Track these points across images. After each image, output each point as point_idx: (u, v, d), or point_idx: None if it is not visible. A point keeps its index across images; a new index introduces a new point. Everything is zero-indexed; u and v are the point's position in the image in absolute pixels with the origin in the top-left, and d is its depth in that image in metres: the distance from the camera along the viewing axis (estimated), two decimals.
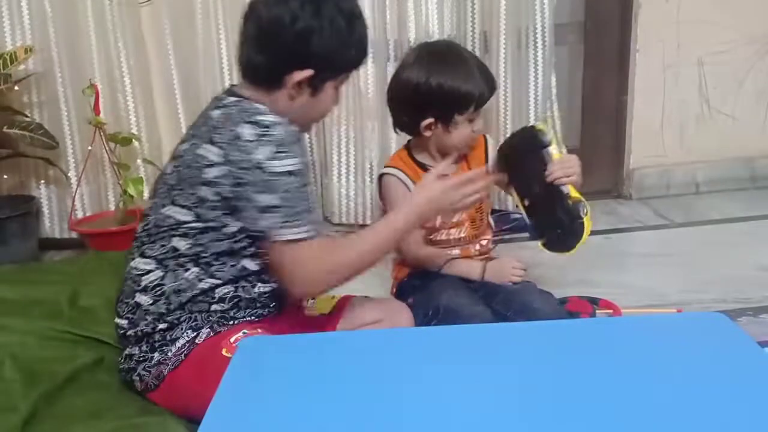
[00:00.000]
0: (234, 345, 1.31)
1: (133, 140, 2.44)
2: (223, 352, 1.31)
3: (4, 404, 1.29)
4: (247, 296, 1.40)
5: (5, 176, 2.52)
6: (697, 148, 2.92)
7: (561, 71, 2.79)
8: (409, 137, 1.78)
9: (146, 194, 2.30)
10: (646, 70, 2.82)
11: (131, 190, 2.34)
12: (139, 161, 2.52)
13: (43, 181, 2.54)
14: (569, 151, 2.78)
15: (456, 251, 1.74)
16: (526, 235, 1.80)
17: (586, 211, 1.55)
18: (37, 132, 2.33)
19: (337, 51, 1.36)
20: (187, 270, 1.37)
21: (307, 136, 2.61)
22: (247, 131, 1.28)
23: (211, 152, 1.32)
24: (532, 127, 1.64)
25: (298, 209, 1.29)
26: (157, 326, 1.37)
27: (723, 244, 2.42)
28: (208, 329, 1.37)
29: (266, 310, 1.44)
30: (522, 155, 1.62)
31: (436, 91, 1.62)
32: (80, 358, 1.48)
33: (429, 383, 0.99)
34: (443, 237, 1.74)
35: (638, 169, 2.92)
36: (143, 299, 1.38)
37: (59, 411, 1.33)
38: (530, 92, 2.68)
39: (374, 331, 1.45)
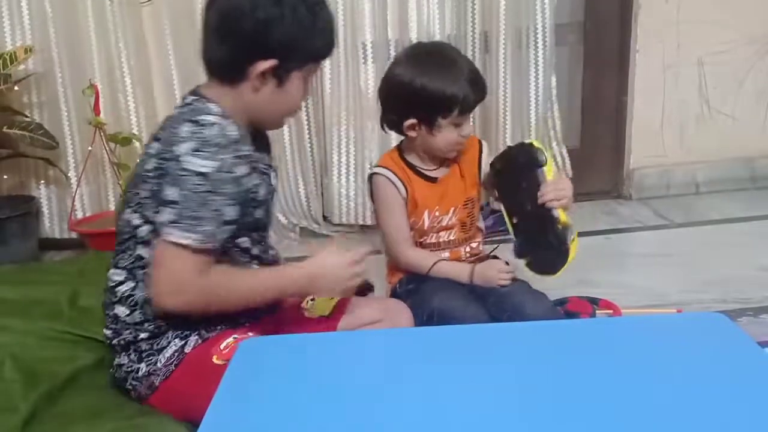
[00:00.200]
0: (224, 352, 1.30)
1: (134, 140, 2.44)
2: (214, 359, 1.30)
3: (4, 405, 1.29)
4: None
5: (5, 176, 2.52)
6: (697, 149, 2.92)
7: (561, 71, 2.79)
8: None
9: None
10: (646, 71, 2.82)
11: None
12: None
13: (43, 182, 2.54)
14: (569, 152, 2.82)
15: (446, 254, 1.73)
16: None
17: (573, 238, 1.53)
18: (37, 132, 2.33)
19: (300, 39, 1.32)
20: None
21: (306, 134, 2.62)
22: (184, 129, 1.26)
23: (152, 148, 1.32)
24: (530, 144, 1.61)
25: (195, 214, 1.23)
26: (139, 335, 1.37)
27: (723, 245, 2.42)
28: (196, 336, 1.36)
29: (254, 317, 1.43)
30: (516, 172, 1.59)
31: (419, 92, 1.59)
32: (80, 359, 1.47)
33: (429, 383, 0.99)
34: (433, 240, 1.73)
35: (638, 169, 2.92)
36: (120, 310, 1.38)
37: (59, 411, 1.33)
38: (531, 92, 2.68)
39: (374, 331, 1.45)
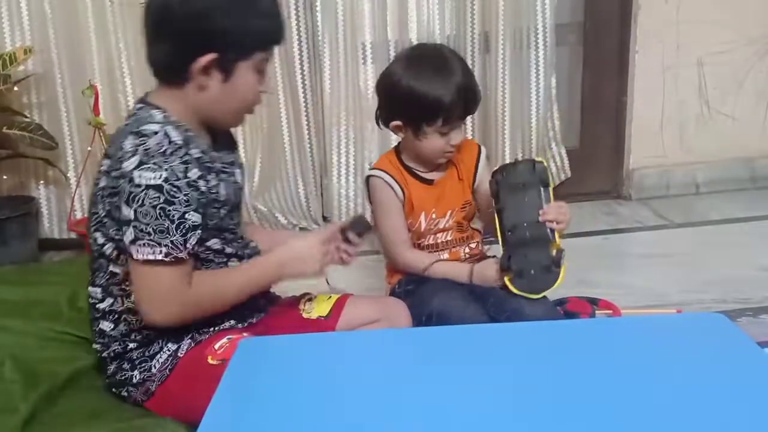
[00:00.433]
0: (219, 352, 1.30)
1: None
2: (209, 360, 1.30)
3: (4, 405, 1.29)
4: None
5: (5, 177, 2.52)
6: (696, 149, 2.92)
7: (561, 72, 2.79)
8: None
9: None
10: (645, 71, 2.82)
11: None
12: None
13: (42, 182, 2.54)
14: (568, 152, 2.82)
15: (445, 255, 1.73)
16: None
17: (564, 262, 1.53)
18: (36, 132, 2.33)
19: (237, 27, 1.27)
20: (131, 293, 1.33)
21: (306, 135, 2.62)
22: (128, 142, 1.24)
23: (103, 165, 1.31)
24: (540, 161, 1.59)
25: (157, 227, 1.21)
26: (128, 345, 1.37)
27: (723, 245, 2.42)
28: (189, 339, 1.35)
29: (247, 319, 1.44)
30: (520, 186, 1.57)
31: (405, 93, 1.57)
32: (80, 360, 1.47)
33: (428, 384, 0.99)
34: (431, 241, 1.73)
35: (638, 169, 2.92)
36: (105, 325, 1.38)
37: (59, 412, 1.33)
38: (531, 93, 2.68)
39: (373, 331, 1.45)
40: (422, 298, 1.60)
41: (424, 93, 1.56)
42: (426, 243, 1.73)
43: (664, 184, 2.93)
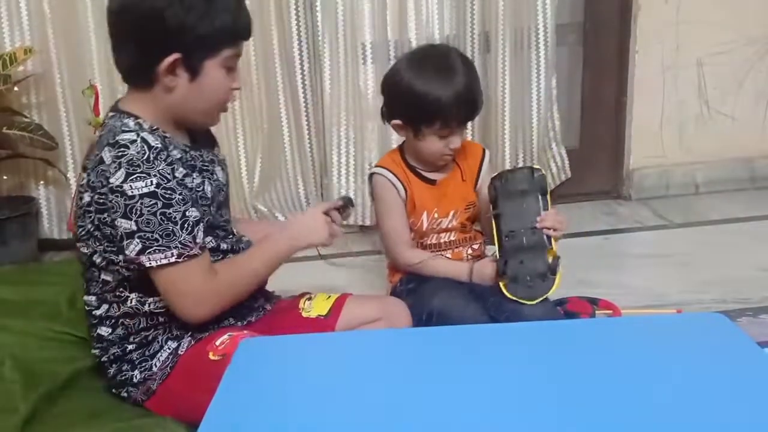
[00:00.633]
0: (220, 348, 1.31)
1: None
2: (210, 356, 1.30)
3: (4, 405, 1.29)
4: None
5: (5, 177, 2.52)
6: (696, 149, 2.92)
7: (560, 72, 2.79)
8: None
9: None
10: (645, 71, 2.82)
11: None
12: None
13: (42, 182, 2.54)
14: (568, 152, 2.82)
15: (448, 255, 1.73)
16: None
17: (559, 270, 1.53)
18: (36, 133, 2.33)
19: (198, 25, 1.25)
20: (126, 298, 1.35)
21: (306, 135, 2.62)
22: (107, 155, 1.24)
23: (83, 179, 1.31)
24: (538, 169, 1.59)
25: (163, 232, 1.23)
26: (127, 348, 1.37)
27: (722, 245, 2.42)
28: (189, 337, 1.36)
29: (246, 317, 1.45)
30: (517, 193, 1.57)
31: (405, 93, 1.58)
32: (80, 360, 1.48)
33: (428, 384, 0.99)
34: (434, 241, 1.73)
35: (638, 169, 2.92)
36: (103, 330, 1.39)
37: (59, 412, 1.33)
38: (532, 93, 2.68)
39: (373, 331, 1.45)
40: (423, 297, 1.61)
41: (422, 94, 1.55)
42: (428, 242, 1.73)
43: (664, 184, 2.93)
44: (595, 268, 2.19)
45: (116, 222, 1.24)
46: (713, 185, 2.93)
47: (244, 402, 0.96)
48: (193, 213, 1.27)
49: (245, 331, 1.36)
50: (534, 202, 1.56)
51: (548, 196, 1.58)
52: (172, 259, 1.25)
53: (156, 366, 1.35)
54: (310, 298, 1.53)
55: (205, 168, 1.40)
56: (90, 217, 1.29)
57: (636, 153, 2.91)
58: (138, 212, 1.22)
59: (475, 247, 1.76)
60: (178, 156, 1.30)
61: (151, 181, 1.22)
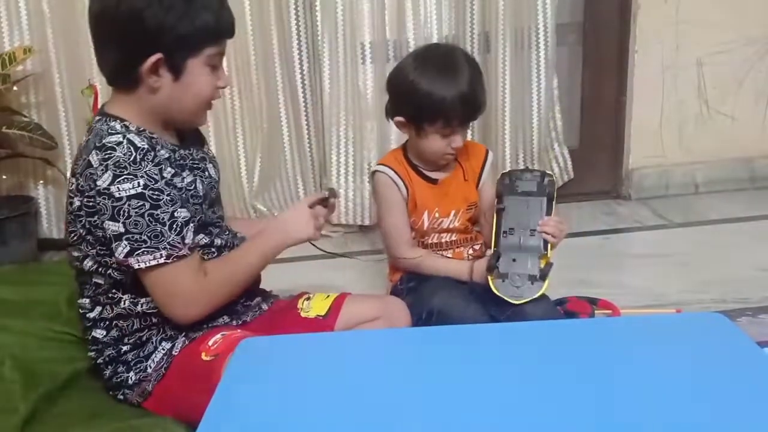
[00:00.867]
0: (212, 348, 1.30)
1: None
2: (203, 356, 1.30)
3: (4, 405, 1.29)
4: None
5: (4, 176, 2.51)
6: (696, 149, 2.92)
7: (560, 71, 2.79)
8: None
9: None
10: (645, 71, 2.82)
11: None
12: None
13: (41, 182, 2.54)
14: (568, 152, 2.82)
15: (449, 254, 1.73)
16: None
17: (548, 277, 1.53)
18: (35, 132, 2.33)
19: (178, 24, 1.25)
20: (120, 300, 1.35)
21: (306, 135, 2.62)
22: (94, 158, 1.24)
23: (72, 184, 1.31)
24: (550, 175, 1.59)
25: (151, 233, 1.23)
26: (122, 349, 1.37)
27: (722, 245, 2.42)
28: (183, 338, 1.36)
29: (241, 316, 1.45)
30: (524, 193, 1.57)
31: (409, 90, 1.58)
32: (79, 360, 1.47)
33: (428, 383, 0.99)
34: (435, 240, 1.73)
35: (637, 169, 2.92)
36: (97, 332, 1.39)
37: (59, 412, 1.33)
38: (533, 94, 2.68)
39: (373, 331, 1.45)
40: (423, 296, 1.61)
41: (426, 92, 1.56)
42: (429, 242, 1.73)
43: (664, 184, 2.93)
44: (594, 267, 2.19)
45: (105, 224, 1.25)
46: (713, 185, 2.93)
47: (244, 402, 0.96)
48: (182, 213, 1.27)
49: (239, 331, 1.36)
50: (539, 205, 1.56)
51: (554, 203, 1.58)
52: (161, 260, 1.25)
53: (151, 367, 1.35)
54: (308, 298, 1.53)
55: (195, 166, 1.40)
56: (81, 221, 1.30)
57: (636, 153, 2.91)
58: (126, 214, 1.22)
59: (476, 247, 1.76)
60: (166, 156, 1.30)
61: (138, 183, 1.22)
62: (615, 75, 2.88)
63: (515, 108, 2.66)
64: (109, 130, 1.28)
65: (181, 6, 1.25)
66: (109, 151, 1.23)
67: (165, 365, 1.34)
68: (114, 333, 1.37)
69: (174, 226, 1.25)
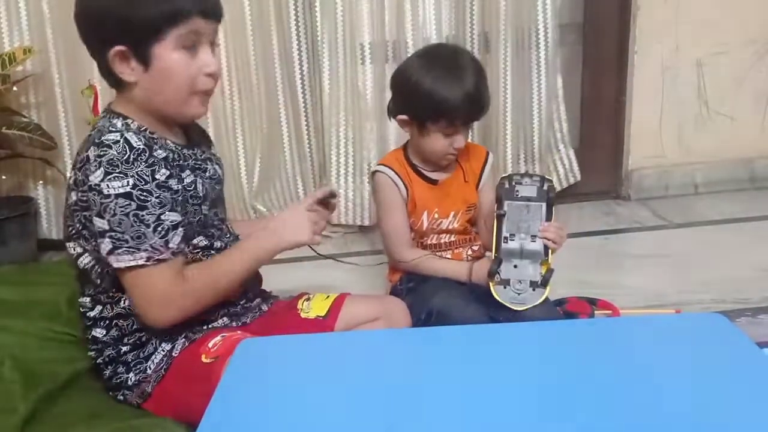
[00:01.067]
0: (212, 350, 1.30)
1: None
2: (203, 358, 1.30)
3: (4, 405, 1.28)
4: None
5: (3, 177, 2.52)
6: (695, 149, 2.92)
7: (560, 72, 2.79)
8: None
9: None
10: (644, 72, 2.82)
11: None
12: None
13: (41, 182, 2.54)
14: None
15: (448, 255, 1.73)
16: None
17: (549, 284, 1.53)
18: (35, 133, 2.33)
19: (128, 14, 1.22)
20: (119, 299, 1.34)
21: (305, 135, 2.61)
22: (92, 153, 1.24)
23: (71, 178, 1.31)
24: (550, 181, 1.59)
25: (133, 233, 1.22)
26: (121, 349, 1.37)
27: (722, 245, 2.42)
28: (183, 339, 1.36)
29: (241, 318, 1.44)
30: (524, 198, 1.57)
31: (413, 88, 1.59)
32: (79, 360, 1.47)
33: (428, 384, 0.99)
34: (434, 241, 1.73)
35: (637, 170, 2.92)
36: (97, 332, 1.38)
37: (59, 412, 1.33)
38: (533, 94, 2.67)
39: (372, 331, 1.45)
40: (423, 296, 1.61)
41: (431, 91, 1.56)
42: (429, 242, 1.73)
43: (663, 184, 2.93)
44: (594, 268, 2.19)
45: (93, 220, 1.25)
46: (712, 185, 2.93)
47: (243, 402, 0.96)
48: (170, 216, 1.26)
49: (239, 332, 1.36)
50: (539, 210, 1.56)
51: (554, 209, 1.58)
52: (140, 262, 1.24)
53: (150, 368, 1.35)
54: (308, 299, 1.53)
55: (198, 166, 1.39)
56: (77, 215, 1.30)
57: (635, 153, 2.91)
58: (111, 212, 1.22)
59: (475, 248, 1.76)
60: (163, 156, 1.29)
61: (128, 182, 1.22)
62: (615, 75, 2.88)
63: (517, 109, 2.66)
64: (110, 128, 1.28)
65: None
66: (105, 149, 1.24)
67: (165, 366, 1.34)
68: (114, 332, 1.37)
69: (159, 228, 1.24)
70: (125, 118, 1.30)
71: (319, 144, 2.65)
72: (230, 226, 1.50)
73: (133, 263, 1.24)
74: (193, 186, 1.34)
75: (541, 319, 1.48)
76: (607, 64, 2.87)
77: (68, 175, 1.35)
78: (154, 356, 1.35)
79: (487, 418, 0.90)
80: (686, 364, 1.02)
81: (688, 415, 0.89)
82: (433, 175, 1.71)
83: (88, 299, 1.38)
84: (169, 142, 1.34)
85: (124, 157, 1.23)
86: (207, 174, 1.41)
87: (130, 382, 1.36)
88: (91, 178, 1.23)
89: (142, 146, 1.26)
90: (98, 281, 1.35)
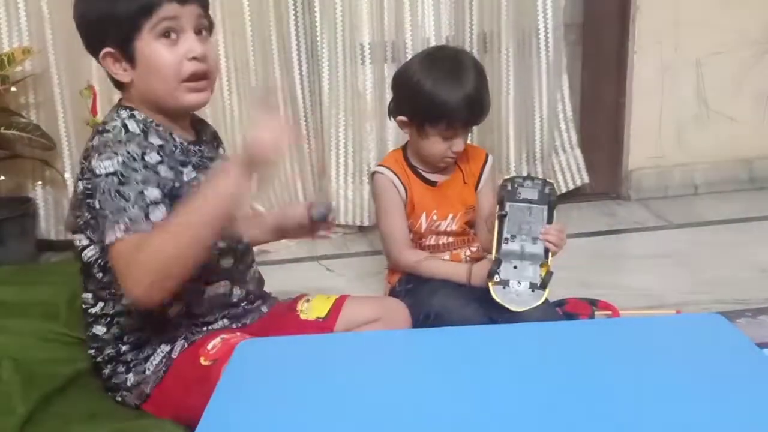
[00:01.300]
0: (211, 353, 1.30)
1: None
2: (201, 361, 1.29)
3: (3, 406, 1.28)
4: (199, 304, 1.38)
5: (2, 177, 2.51)
6: (695, 150, 2.92)
7: None
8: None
9: None
10: (644, 72, 2.82)
11: None
12: None
13: (39, 183, 2.53)
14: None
15: (446, 256, 1.73)
16: None
17: (548, 287, 1.53)
18: (34, 133, 2.33)
19: (103, 14, 1.25)
20: (121, 296, 1.32)
21: (304, 133, 2.61)
22: (94, 141, 1.26)
23: (80, 167, 1.32)
24: (552, 184, 1.60)
25: (111, 209, 1.18)
26: (121, 348, 1.37)
27: (721, 246, 2.42)
28: (182, 340, 1.35)
29: (241, 319, 1.44)
30: (527, 200, 1.57)
31: (414, 89, 1.59)
32: (79, 361, 1.47)
33: (427, 385, 0.99)
34: (432, 242, 1.73)
35: (637, 170, 2.92)
36: (98, 329, 1.38)
37: (58, 413, 1.33)
38: (534, 94, 2.67)
39: (372, 332, 1.45)
40: (422, 297, 1.60)
41: (431, 92, 1.56)
42: (427, 243, 1.73)
43: (663, 184, 2.93)
44: (593, 268, 2.19)
45: (93, 204, 1.25)
46: (712, 186, 2.93)
47: (242, 404, 0.96)
48: (153, 193, 1.21)
49: (238, 334, 1.35)
50: (541, 213, 1.56)
51: (555, 212, 1.58)
52: (119, 235, 1.17)
53: (149, 369, 1.35)
54: (308, 300, 1.53)
55: (202, 164, 1.38)
56: (85, 204, 1.30)
57: (635, 153, 2.91)
58: (101, 190, 1.21)
59: (473, 249, 1.76)
60: (159, 144, 1.29)
61: (117, 160, 1.21)
62: (614, 76, 2.87)
63: (518, 110, 2.65)
64: (114, 117, 1.30)
65: None
66: (104, 133, 1.26)
67: (164, 368, 1.34)
68: (114, 330, 1.37)
69: (139, 201, 1.19)
70: (132, 109, 1.32)
71: (319, 144, 2.65)
72: (235, 229, 1.49)
73: (113, 238, 1.18)
74: (195, 183, 1.33)
75: (541, 320, 1.48)
76: (607, 64, 2.87)
77: (67, 175, 1.35)
78: (153, 357, 1.35)
79: (486, 419, 0.90)
80: (686, 364, 1.02)
81: (687, 416, 0.89)
82: (432, 177, 1.71)
83: (90, 295, 1.38)
84: (175, 136, 1.34)
85: (118, 138, 1.24)
86: (209, 173, 1.40)
87: (129, 383, 1.36)
88: (89, 162, 1.24)
89: (138, 131, 1.27)
90: (100, 275, 1.34)
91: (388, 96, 1.72)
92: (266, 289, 1.57)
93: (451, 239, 1.73)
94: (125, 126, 1.27)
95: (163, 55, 1.26)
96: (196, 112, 1.44)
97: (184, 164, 1.33)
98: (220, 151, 1.50)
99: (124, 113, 1.31)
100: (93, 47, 1.30)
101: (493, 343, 1.12)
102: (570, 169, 2.83)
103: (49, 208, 2.55)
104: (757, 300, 1.96)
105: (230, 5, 2.39)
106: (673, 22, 2.76)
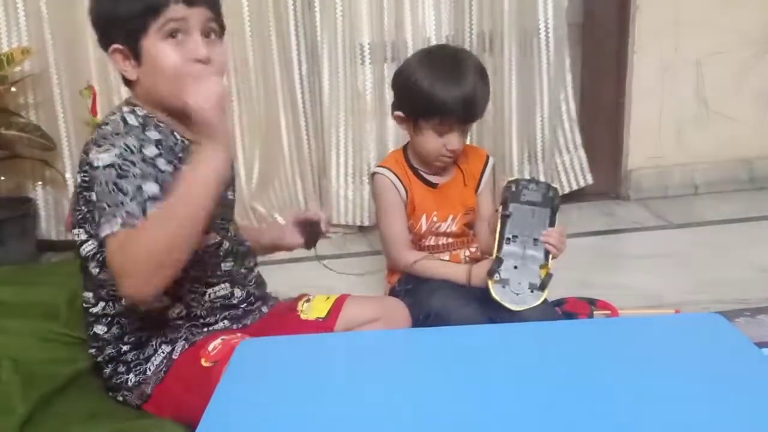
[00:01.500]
0: (212, 354, 1.30)
1: None
2: (202, 362, 1.29)
3: (2, 406, 1.28)
4: (200, 306, 1.38)
5: (2, 178, 2.51)
6: (695, 150, 2.92)
7: None
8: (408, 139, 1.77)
9: None
10: (644, 72, 2.82)
11: None
12: None
13: (39, 183, 2.54)
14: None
15: (446, 257, 1.73)
16: None
17: (547, 288, 1.54)
18: (34, 133, 2.33)
19: (112, 12, 1.27)
20: (121, 296, 1.32)
21: (305, 136, 2.61)
22: (95, 135, 1.27)
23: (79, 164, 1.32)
24: (555, 189, 1.61)
25: (108, 202, 1.17)
26: (122, 348, 1.37)
27: (721, 245, 2.42)
28: (183, 341, 1.35)
29: (241, 320, 1.44)
30: (529, 202, 1.58)
31: (410, 83, 1.60)
32: (79, 361, 1.47)
33: (427, 385, 0.99)
34: (432, 242, 1.73)
35: (636, 170, 2.92)
36: (99, 328, 1.38)
37: (58, 413, 1.32)
38: (535, 95, 2.67)
39: (372, 332, 1.45)
40: (421, 297, 1.60)
41: (424, 87, 1.57)
42: (426, 244, 1.73)
43: (663, 184, 2.93)
44: (593, 268, 2.19)
45: (90, 196, 1.25)
46: (712, 186, 2.94)
47: (242, 404, 0.96)
48: (151, 188, 1.20)
49: (239, 335, 1.35)
50: (543, 216, 1.57)
51: (557, 216, 1.58)
52: (116, 228, 1.15)
53: (150, 370, 1.35)
54: (308, 300, 1.52)
55: None
56: (83, 197, 1.30)
57: (635, 153, 2.91)
58: (99, 183, 1.20)
59: (473, 249, 1.76)
60: (157, 138, 1.28)
61: (115, 153, 1.20)
62: (614, 76, 2.88)
63: (521, 110, 2.65)
64: (115, 111, 1.31)
65: None
66: (103, 126, 1.27)
67: (164, 369, 1.34)
68: (115, 330, 1.37)
69: (137, 196, 1.18)
70: (134, 106, 1.32)
71: (319, 144, 2.65)
72: (237, 231, 1.49)
73: (109, 231, 1.16)
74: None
75: (540, 320, 1.48)
76: (607, 65, 2.87)
77: (67, 175, 1.36)
78: (154, 358, 1.35)
79: (486, 419, 0.90)
80: (685, 364, 1.02)
81: (687, 416, 0.89)
82: (433, 179, 1.71)
83: (91, 294, 1.38)
84: (176, 134, 1.34)
85: (116, 131, 1.24)
86: None
87: (129, 383, 1.36)
88: (87, 155, 1.25)
89: (136, 124, 1.28)
90: (96, 270, 1.34)
91: (388, 96, 1.73)
92: (267, 289, 1.57)
93: (450, 240, 1.74)
94: (124, 119, 1.28)
95: (168, 55, 1.27)
96: None
97: (183, 162, 1.33)
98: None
99: (125, 108, 1.31)
100: (103, 43, 1.31)
101: (493, 342, 1.12)
102: (573, 169, 2.83)
103: (49, 209, 2.55)
104: (757, 300, 1.96)
105: (230, 5, 2.38)
106: (673, 22, 2.76)
